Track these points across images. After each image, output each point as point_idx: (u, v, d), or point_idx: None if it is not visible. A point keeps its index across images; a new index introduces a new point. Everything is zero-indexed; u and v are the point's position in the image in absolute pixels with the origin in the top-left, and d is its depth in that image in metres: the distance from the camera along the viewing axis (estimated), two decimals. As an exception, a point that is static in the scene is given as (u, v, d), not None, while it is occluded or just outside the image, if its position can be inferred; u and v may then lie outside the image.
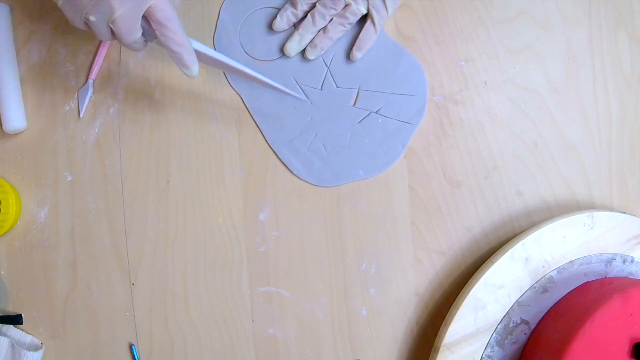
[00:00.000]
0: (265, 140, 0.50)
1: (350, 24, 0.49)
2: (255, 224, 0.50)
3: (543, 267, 0.46)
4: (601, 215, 0.47)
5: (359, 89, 0.50)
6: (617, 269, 0.48)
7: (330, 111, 0.50)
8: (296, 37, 0.49)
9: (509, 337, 0.46)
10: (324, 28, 0.49)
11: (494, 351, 0.45)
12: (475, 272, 0.47)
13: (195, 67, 0.42)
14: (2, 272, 0.51)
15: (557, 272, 0.46)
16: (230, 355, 0.49)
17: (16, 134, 0.51)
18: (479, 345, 0.45)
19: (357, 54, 0.49)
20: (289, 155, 0.50)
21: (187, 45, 0.41)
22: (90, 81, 0.51)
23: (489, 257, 0.47)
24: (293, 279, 0.50)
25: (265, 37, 0.50)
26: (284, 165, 0.50)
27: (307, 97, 0.50)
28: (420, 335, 0.50)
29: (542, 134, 0.51)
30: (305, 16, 0.49)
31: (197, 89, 0.51)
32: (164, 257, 0.50)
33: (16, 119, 0.50)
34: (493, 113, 0.51)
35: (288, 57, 0.50)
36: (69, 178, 0.51)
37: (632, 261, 0.48)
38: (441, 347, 0.45)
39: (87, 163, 0.51)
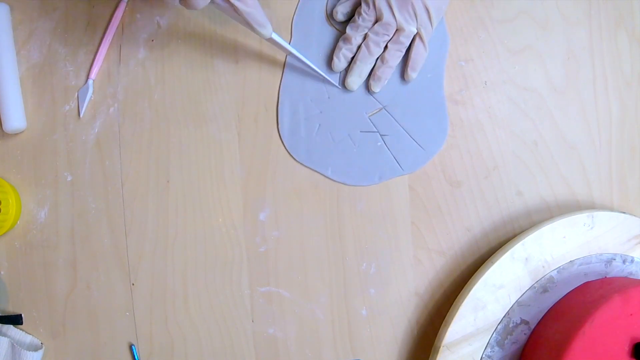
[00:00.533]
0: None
1: (405, 47, 0.48)
2: (255, 224, 0.50)
3: (543, 267, 0.46)
4: (601, 215, 0.47)
5: (384, 107, 0.50)
6: (617, 269, 0.48)
7: (343, 109, 0.50)
8: (356, 70, 0.49)
9: (509, 337, 0.46)
10: (382, 57, 0.48)
11: (494, 351, 0.45)
12: (475, 272, 0.47)
13: (269, 26, 0.44)
14: (2, 272, 0.51)
15: (557, 272, 0.46)
16: (230, 355, 0.49)
17: (16, 134, 0.51)
18: (479, 345, 0.45)
19: (412, 74, 0.49)
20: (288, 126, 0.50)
21: (258, 5, 0.42)
22: (90, 81, 0.51)
23: (489, 257, 0.47)
24: (293, 279, 0.50)
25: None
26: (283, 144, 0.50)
27: (338, 84, 0.50)
28: (420, 335, 0.50)
29: (542, 134, 0.51)
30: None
31: (197, 89, 0.51)
32: (164, 257, 0.50)
33: (16, 119, 0.50)
34: (493, 113, 0.51)
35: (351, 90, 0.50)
36: (69, 178, 0.51)
37: (632, 261, 0.48)
38: (441, 347, 0.45)
39: (87, 163, 0.51)
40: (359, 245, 0.50)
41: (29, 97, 0.51)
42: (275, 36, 0.46)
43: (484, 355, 0.45)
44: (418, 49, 0.48)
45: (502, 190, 0.50)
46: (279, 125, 0.50)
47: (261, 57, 0.51)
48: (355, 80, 0.49)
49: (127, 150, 0.51)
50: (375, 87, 0.49)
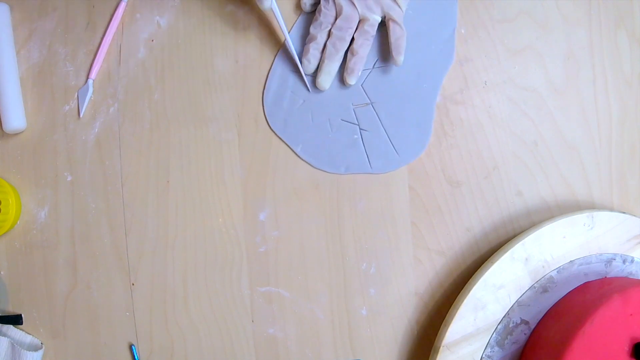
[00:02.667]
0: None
1: (372, 35, 0.48)
2: (255, 224, 0.50)
3: (543, 267, 0.46)
4: (601, 215, 0.47)
5: (372, 103, 0.50)
6: (617, 269, 0.48)
7: (332, 94, 0.50)
8: (325, 69, 0.48)
9: (509, 337, 0.46)
10: (351, 50, 0.48)
11: (494, 351, 0.45)
12: (475, 272, 0.47)
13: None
14: (2, 272, 0.51)
15: (557, 272, 0.46)
16: (230, 355, 0.49)
17: (16, 134, 0.51)
18: (479, 345, 0.45)
19: (399, 57, 0.48)
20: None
21: None
22: (90, 81, 0.51)
23: (489, 257, 0.47)
24: (293, 279, 0.50)
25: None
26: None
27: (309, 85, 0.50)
28: (420, 335, 0.50)
29: (542, 134, 0.51)
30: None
31: (197, 89, 0.51)
32: (164, 257, 0.50)
33: (16, 119, 0.50)
34: (493, 113, 0.51)
35: (322, 91, 0.50)
36: (69, 178, 0.51)
37: (632, 261, 0.48)
38: (441, 347, 0.45)
39: (87, 163, 0.51)
40: (359, 245, 0.50)
41: (29, 97, 0.51)
42: (274, 6, 0.46)
43: (484, 355, 0.45)
44: (396, 33, 0.47)
45: (502, 190, 0.50)
46: (265, 90, 0.50)
47: (261, 57, 0.51)
48: (326, 78, 0.49)
49: (127, 150, 0.51)
50: (351, 80, 0.49)
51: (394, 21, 0.47)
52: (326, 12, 0.47)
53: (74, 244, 0.50)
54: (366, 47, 0.48)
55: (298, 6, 0.51)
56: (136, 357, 0.49)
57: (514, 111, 0.51)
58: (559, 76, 0.52)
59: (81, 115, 0.51)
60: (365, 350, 0.49)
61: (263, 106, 0.50)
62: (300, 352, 0.49)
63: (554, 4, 0.52)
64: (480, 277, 0.45)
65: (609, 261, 0.47)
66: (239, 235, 0.50)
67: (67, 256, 0.50)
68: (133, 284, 0.50)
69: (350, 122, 0.50)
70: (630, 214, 0.48)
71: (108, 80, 0.51)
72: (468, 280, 0.47)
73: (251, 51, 0.51)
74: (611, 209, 0.50)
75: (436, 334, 0.47)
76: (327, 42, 0.48)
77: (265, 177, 0.50)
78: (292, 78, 0.50)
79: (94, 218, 0.50)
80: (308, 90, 0.50)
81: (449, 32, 0.50)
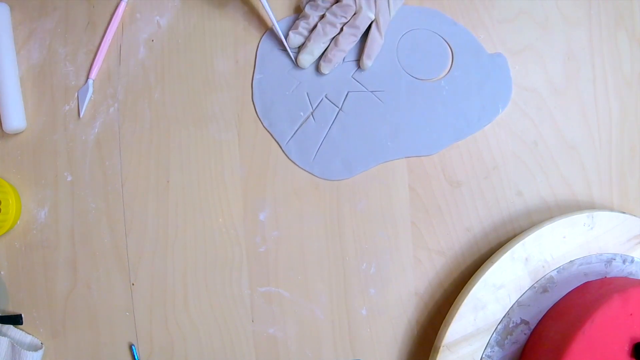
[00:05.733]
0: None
1: (360, 32, 0.48)
2: (255, 224, 0.50)
3: (543, 267, 0.46)
4: (601, 215, 0.47)
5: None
6: (617, 269, 0.48)
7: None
8: (308, 48, 0.49)
9: (509, 337, 0.46)
10: (335, 40, 0.48)
11: (494, 351, 0.45)
12: (475, 272, 0.47)
13: None
14: (2, 272, 0.51)
15: (557, 272, 0.46)
16: (230, 355, 0.49)
17: (16, 134, 0.51)
18: (479, 345, 0.45)
19: (367, 62, 0.49)
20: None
21: None
22: (90, 81, 0.51)
23: (489, 257, 0.47)
24: (293, 279, 0.50)
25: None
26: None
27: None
28: (420, 335, 0.50)
29: (542, 134, 0.51)
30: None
31: (197, 89, 0.51)
32: (164, 257, 0.50)
33: (16, 119, 0.50)
34: (493, 113, 0.51)
35: (302, 68, 0.50)
36: (69, 178, 0.51)
37: (632, 261, 0.48)
38: (441, 347, 0.45)
39: (87, 163, 0.51)
40: (359, 245, 0.50)
41: (29, 97, 0.51)
42: None
43: (484, 355, 0.45)
44: (374, 36, 0.48)
45: (502, 190, 0.50)
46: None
47: (261, 57, 0.51)
48: (307, 57, 0.49)
49: (127, 150, 0.51)
50: (325, 69, 0.49)
51: (377, 25, 0.48)
52: None
53: (74, 244, 0.50)
54: (350, 43, 0.49)
55: (290, 7, 0.51)
56: (136, 357, 0.49)
57: (514, 111, 0.51)
58: (559, 76, 0.52)
59: (81, 115, 0.51)
60: (365, 350, 0.49)
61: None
62: (300, 352, 0.49)
63: (554, 4, 0.52)
64: (480, 277, 0.45)
65: (609, 261, 0.47)
66: (239, 235, 0.50)
67: (67, 256, 0.50)
68: (133, 284, 0.50)
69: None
70: (630, 214, 0.48)
71: (108, 80, 0.51)
72: (468, 280, 0.47)
73: (251, 51, 0.51)
74: (611, 209, 0.50)
75: (436, 334, 0.47)
76: (319, 23, 0.48)
77: (265, 177, 0.50)
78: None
79: (94, 218, 0.50)
80: (294, 64, 0.50)
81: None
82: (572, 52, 0.52)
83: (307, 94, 0.50)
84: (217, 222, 0.50)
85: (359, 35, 0.49)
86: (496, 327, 0.45)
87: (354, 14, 0.48)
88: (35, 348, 0.49)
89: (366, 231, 0.50)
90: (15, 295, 0.50)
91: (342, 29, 0.48)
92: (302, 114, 0.50)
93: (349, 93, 0.50)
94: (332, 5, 0.48)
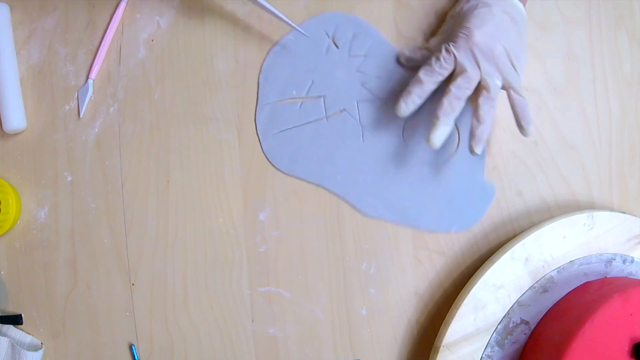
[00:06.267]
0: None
1: (495, 103, 0.44)
2: (255, 224, 0.50)
3: (543, 267, 0.46)
4: (601, 215, 0.47)
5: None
6: (617, 269, 0.48)
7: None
8: (440, 127, 0.43)
9: (509, 337, 0.45)
10: (477, 115, 0.44)
11: (494, 351, 0.45)
12: (475, 272, 0.47)
13: None
14: (2, 272, 0.51)
15: (557, 272, 0.46)
16: (230, 355, 0.49)
17: (16, 134, 0.51)
18: (479, 345, 0.45)
19: (529, 127, 0.44)
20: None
21: None
22: (90, 81, 0.51)
23: (489, 257, 0.47)
24: (293, 279, 0.50)
25: None
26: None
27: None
28: (420, 335, 0.50)
29: (542, 134, 0.51)
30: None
31: (197, 89, 0.51)
32: (164, 257, 0.50)
33: (16, 119, 0.50)
34: (493, 113, 0.51)
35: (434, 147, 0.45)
36: (69, 178, 0.51)
37: (632, 261, 0.48)
38: (441, 347, 0.45)
39: (87, 163, 0.51)
40: (359, 245, 0.50)
41: (29, 97, 0.51)
42: None
43: (484, 355, 0.45)
44: (517, 101, 0.44)
45: (502, 190, 0.50)
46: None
47: (261, 57, 0.51)
48: (439, 137, 0.44)
49: (127, 150, 0.51)
50: (478, 149, 0.44)
51: (514, 90, 0.44)
52: (443, 64, 0.44)
53: (74, 244, 0.50)
54: (492, 115, 0.44)
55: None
56: (136, 357, 0.49)
57: (514, 111, 0.51)
58: (559, 76, 0.52)
59: (81, 115, 0.51)
60: (365, 350, 0.49)
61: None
62: (300, 352, 0.49)
63: (554, 4, 0.52)
64: (480, 277, 0.45)
65: (609, 261, 0.47)
66: (239, 235, 0.50)
67: (67, 256, 0.50)
68: (133, 284, 0.50)
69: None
70: (630, 214, 0.48)
71: (108, 80, 0.51)
72: (468, 280, 0.47)
73: (251, 51, 0.51)
74: (611, 209, 0.50)
75: (436, 334, 0.47)
76: (443, 98, 0.44)
77: (265, 177, 0.50)
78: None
79: (94, 218, 0.50)
80: (304, 34, 0.49)
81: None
82: (572, 52, 0.52)
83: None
84: (217, 222, 0.50)
85: (495, 107, 0.44)
86: (496, 327, 0.45)
87: (478, 84, 0.44)
88: (35, 348, 0.49)
89: (366, 231, 0.50)
90: (15, 295, 0.50)
91: (477, 103, 0.44)
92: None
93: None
94: (450, 76, 0.44)
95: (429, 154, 0.49)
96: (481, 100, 0.44)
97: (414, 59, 0.48)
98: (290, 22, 0.48)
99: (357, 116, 0.50)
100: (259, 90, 0.50)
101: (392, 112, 0.46)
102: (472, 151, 0.44)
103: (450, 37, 0.45)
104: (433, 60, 0.44)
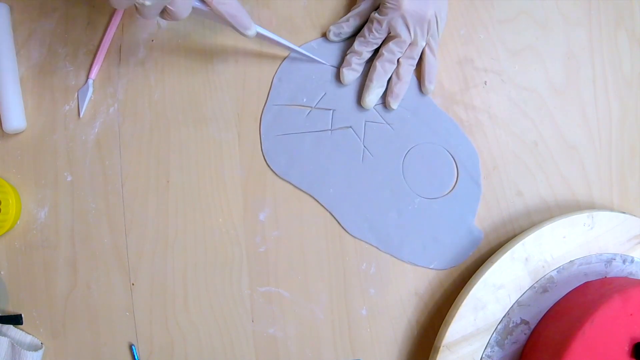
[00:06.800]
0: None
1: (416, 61, 0.48)
2: (255, 224, 0.50)
3: (543, 267, 0.46)
4: (601, 215, 0.47)
5: (389, 124, 0.50)
6: (617, 269, 0.48)
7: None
8: (373, 89, 0.48)
9: (509, 337, 0.46)
10: (397, 73, 0.48)
11: (494, 351, 0.45)
12: (475, 272, 0.47)
13: (253, 27, 0.44)
14: (2, 272, 0.51)
15: (557, 272, 0.46)
16: (230, 355, 0.49)
17: (16, 134, 0.51)
18: (479, 345, 0.45)
19: (430, 86, 0.49)
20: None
21: (241, 7, 0.43)
22: (90, 81, 0.51)
23: (489, 257, 0.47)
24: (293, 278, 0.50)
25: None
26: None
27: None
28: (420, 335, 0.50)
29: (542, 134, 0.51)
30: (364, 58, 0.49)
31: (197, 89, 0.51)
32: (164, 257, 0.50)
33: (16, 119, 0.50)
34: (493, 113, 0.51)
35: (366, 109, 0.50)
36: (69, 178, 0.51)
37: (632, 261, 0.48)
38: (441, 347, 0.45)
39: (87, 163, 0.51)
40: (359, 245, 0.50)
41: (29, 97, 0.51)
42: (260, 30, 0.45)
43: (484, 355, 0.45)
44: (430, 61, 0.49)
45: (502, 190, 0.50)
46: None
47: (261, 57, 0.51)
48: (373, 99, 0.49)
49: (127, 150, 0.51)
50: (394, 104, 0.49)
51: (431, 50, 0.48)
52: (376, 34, 0.47)
53: (74, 244, 0.50)
54: (410, 73, 0.49)
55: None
56: (136, 357, 0.49)
57: (514, 111, 0.51)
58: (559, 76, 0.52)
59: (81, 115, 0.51)
60: (365, 350, 0.49)
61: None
62: (300, 352, 0.49)
63: (554, 4, 0.52)
64: (480, 277, 0.45)
65: (609, 261, 0.47)
66: (239, 235, 0.50)
67: (67, 256, 0.50)
68: (133, 284, 0.50)
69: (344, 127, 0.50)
70: (630, 214, 0.48)
71: (108, 80, 0.51)
72: (468, 280, 0.47)
73: (251, 51, 0.51)
74: (611, 209, 0.50)
75: (436, 334, 0.47)
76: (376, 62, 0.48)
77: (265, 177, 0.50)
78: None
79: (94, 218, 0.50)
80: (334, 67, 0.50)
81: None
82: (572, 52, 0.52)
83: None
84: (217, 222, 0.50)
85: (415, 65, 0.49)
86: (496, 327, 0.45)
87: (409, 45, 0.48)
88: (35, 348, 0.49)
89: (366, 231, 0.50)
90: (15, 295, 0.50)
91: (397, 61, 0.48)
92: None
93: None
94: (384, 41, 0.48)
95: (424, 188, 0.49)
96: (403, 60, 0.48)
97: (342, 32, 0.50)
98: (306, 52, 0.49)
99: (362, 136, 0.50)
100: (271, 90, 0.50)
101: (398, 139, 0.50)
102: (388, 106, 0.49)
103: (380, 3, 0.47)
104: (366, 31, 0.48)
